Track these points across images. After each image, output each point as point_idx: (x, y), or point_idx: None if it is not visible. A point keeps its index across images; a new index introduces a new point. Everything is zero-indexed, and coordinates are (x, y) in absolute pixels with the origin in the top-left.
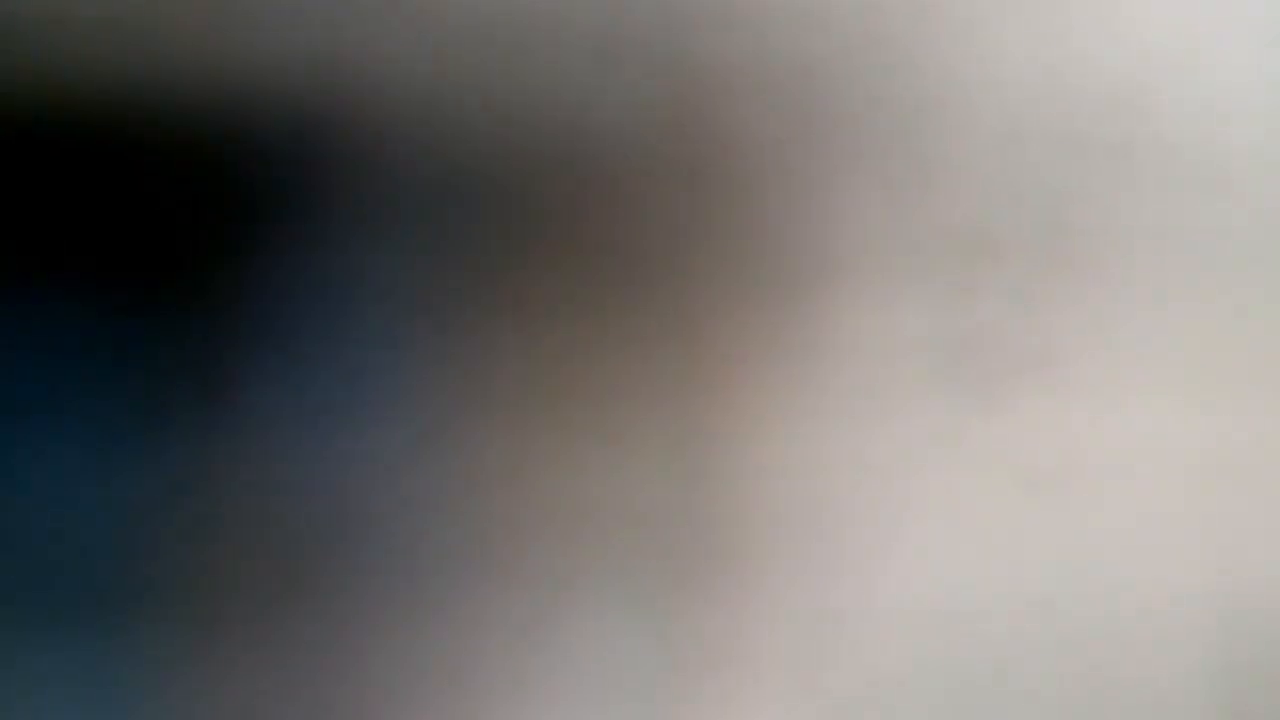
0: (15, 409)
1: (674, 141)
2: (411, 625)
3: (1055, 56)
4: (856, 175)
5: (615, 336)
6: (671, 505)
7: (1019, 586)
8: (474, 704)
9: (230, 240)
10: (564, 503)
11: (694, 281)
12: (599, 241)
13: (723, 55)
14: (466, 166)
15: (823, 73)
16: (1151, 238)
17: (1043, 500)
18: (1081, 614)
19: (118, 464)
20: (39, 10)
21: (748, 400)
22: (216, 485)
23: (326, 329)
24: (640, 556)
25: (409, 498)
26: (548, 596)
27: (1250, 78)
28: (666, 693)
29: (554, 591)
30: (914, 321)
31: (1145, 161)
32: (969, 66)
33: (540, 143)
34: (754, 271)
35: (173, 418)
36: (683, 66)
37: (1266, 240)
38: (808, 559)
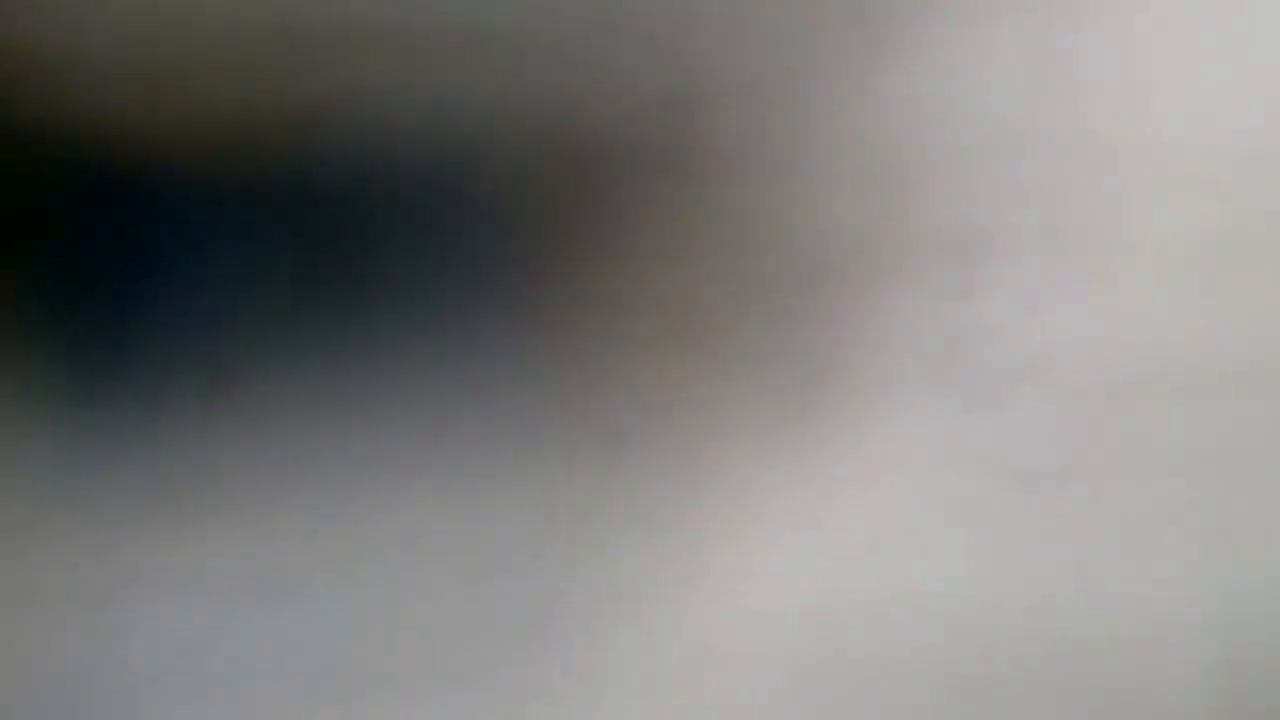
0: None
1: (672, 141)
2: (409, 624)
3: (1054, 56)
4: (856, 175)
5: (613, 337)
6: (670, 505)
7: (1017, 586)
8: (471, 703)
9: (229, 240)
10: (563, 503)
11: (693, 282)
12: (596, 242)
13: (721, 55)
14: (466, 166)
15: (822, 72)
16: (1151, 238)
17: (1042, 500)
18: (1080, 613)
19: (116, 461)
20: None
21: (747, 400)
22: (216, 482)
23: (327, 329)
24: (639, 557)
25: (407, 497)
26: (546, 597)
27: (1250, 78)
28: (666, 691)
29: (552, 592)
30: (914, 321)
31: (1145, 161)
32: (968, 66)
33: (541, 141)
34: (752, 272)
35: (172, 416)
36: (681, 66)
37: (1266, 240)
38: (806, 559)
